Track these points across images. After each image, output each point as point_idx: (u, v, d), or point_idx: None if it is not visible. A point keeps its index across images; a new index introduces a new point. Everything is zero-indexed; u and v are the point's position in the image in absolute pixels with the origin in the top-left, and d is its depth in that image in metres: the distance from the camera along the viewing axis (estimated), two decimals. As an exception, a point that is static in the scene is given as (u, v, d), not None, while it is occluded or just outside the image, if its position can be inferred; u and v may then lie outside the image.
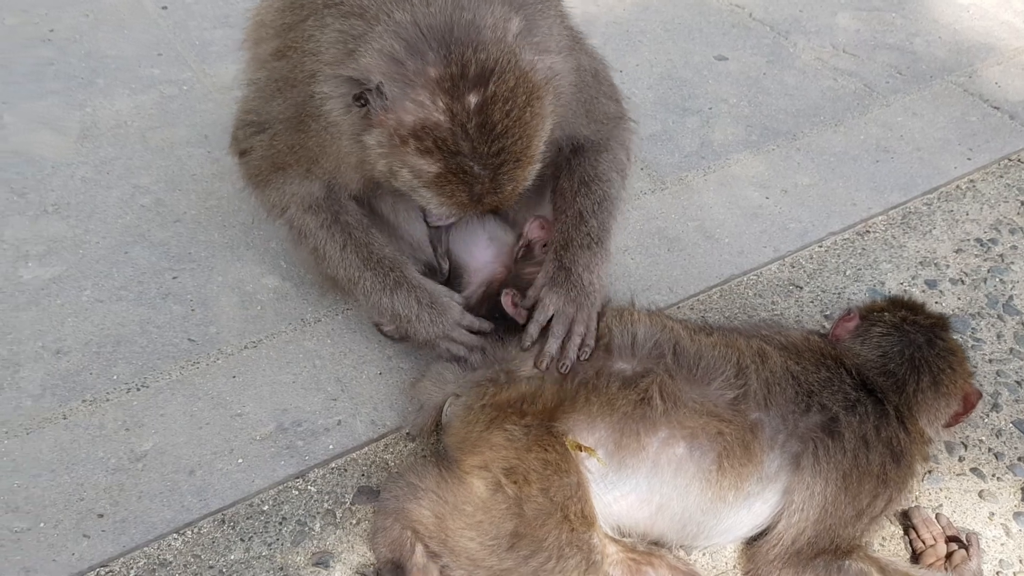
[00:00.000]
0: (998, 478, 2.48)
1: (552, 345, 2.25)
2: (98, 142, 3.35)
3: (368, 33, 2.03)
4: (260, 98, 2.40)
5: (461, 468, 2.07)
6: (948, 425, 2.41)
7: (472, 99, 1.97)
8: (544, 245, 2.61)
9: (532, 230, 2.66)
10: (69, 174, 3.20)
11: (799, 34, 4.22)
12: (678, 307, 2.89)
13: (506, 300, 2.43)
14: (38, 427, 2.41)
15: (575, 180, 2.51)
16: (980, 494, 2.44)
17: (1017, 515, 2.40)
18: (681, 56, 4.01)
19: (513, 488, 2.00)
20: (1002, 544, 2.33)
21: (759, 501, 2.15)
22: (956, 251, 3.18)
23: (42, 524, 2.21)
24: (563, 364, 2.21)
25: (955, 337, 2.50)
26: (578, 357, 2.23)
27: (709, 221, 3.18)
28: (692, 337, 2.24)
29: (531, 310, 2.37)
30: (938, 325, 2.45)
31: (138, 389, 2.52)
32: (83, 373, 2.55)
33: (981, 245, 3.21)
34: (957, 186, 3.45)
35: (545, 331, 2.30)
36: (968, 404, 2.41)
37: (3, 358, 2.57)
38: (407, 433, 2.43)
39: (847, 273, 3.06)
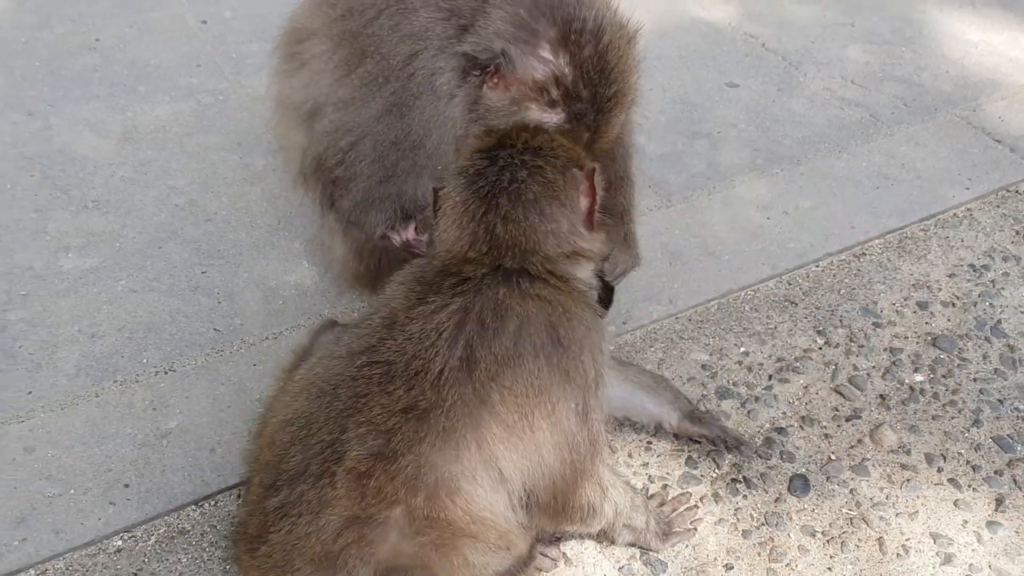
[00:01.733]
0: (974, 489, 2.60)
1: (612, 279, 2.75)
2: (138, 145, 3.57)
3: (483, 8, 2.29)
4: (352, 111, 2.48)
5: None
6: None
7: (589, 50, 2.27)
8: None
9: None
10: (110, 173, 3.41)
11: (810, 64, 4.37)
12: (676, 318, 3.04)
13: None
14: (72, 404, 2.60)
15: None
16: (955, 503, 2.56)
17: (990, 524, 2.51)
18: (694, 82, 4.18)
19: None
20: (973, 550, 2.45)
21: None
22: (949, 275, 3.30)
23: (72, 491, 2.39)
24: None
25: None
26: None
27: (711, 238, 3.33)
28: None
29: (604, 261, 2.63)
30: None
31: (166, 372, 2.71)
32: (115, 356, 2.73)
33: (974, 271, 3.33)
34: (954, 214, 3.58)
35: None
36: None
37: (43, 340, 2.77)
38: None
39: (841, 292, 3.19)
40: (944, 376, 2.92)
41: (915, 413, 2.80)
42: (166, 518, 2.37)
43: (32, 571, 2.23)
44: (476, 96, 2.37)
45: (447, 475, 1.80)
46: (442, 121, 2.44)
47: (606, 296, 2.88)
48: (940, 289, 3.24)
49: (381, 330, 1.90)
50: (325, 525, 1.79)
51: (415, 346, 1.84)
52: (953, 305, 3.18)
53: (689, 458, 2.62)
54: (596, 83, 2.32)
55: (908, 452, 2.69)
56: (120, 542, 2.32)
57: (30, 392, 2.62)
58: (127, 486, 2.41)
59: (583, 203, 2.00)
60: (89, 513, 2.35)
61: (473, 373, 1.81)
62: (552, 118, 2.34)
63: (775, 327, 3.05)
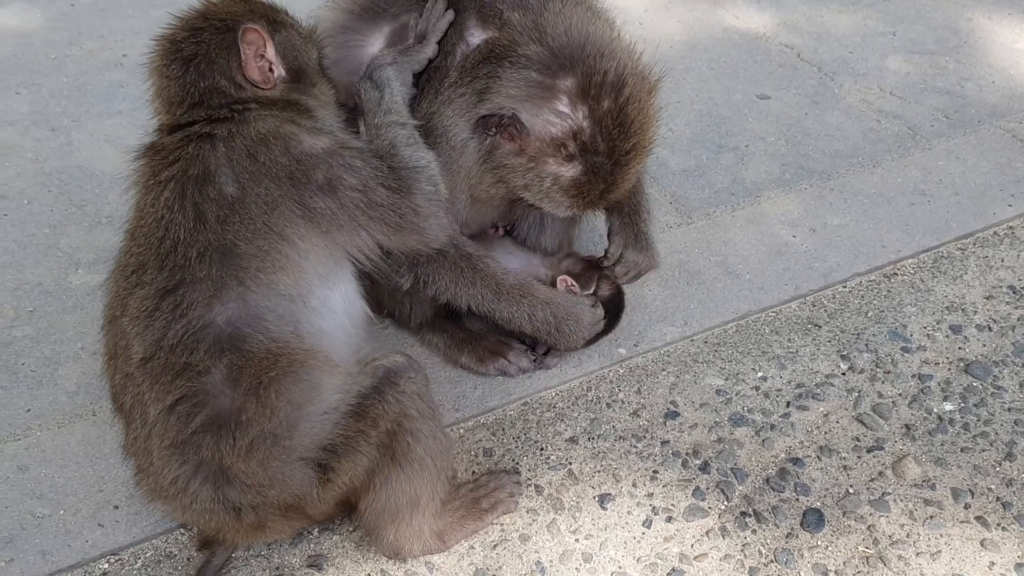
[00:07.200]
0: (1003, 528, 2.44)
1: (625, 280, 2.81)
2: (156, 160, 3.57)
3: (496, 73, 2.29)
4: None
5: None
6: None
7: (608, 103, 2.24)
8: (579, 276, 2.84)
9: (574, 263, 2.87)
10: (125, 189, 3.41)
11: (847, 75, 4.21)
12: (691, 339, 2.92)
13: (562, 285, 2.76)
14: (69, 422, 2.59)
15: None
16: (982, 543, 2.40)
17: (1019, 566, 2.35)
18: (723, 94, 4.06)
19: None
20: (1000, 595, 2.29)
21: None
22: (987, 297, 3.13)
23: (62, 511, 2.36)
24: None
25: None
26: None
27: (732, 257, 3.21)
28: None
29: (615, 263, 2.76)
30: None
31: (164, 391, 2.68)
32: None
33: (1014, 292, 3.15)
34: (995, 232, 3.40)
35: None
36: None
37: (46, 357, 2.77)
38: None
39: (868, 314, 3.04)
40: (976, 405, 2.76)
41: (942, 445, 2.64)
42: (154, 541, 2.33)
43: (17, 593, 2.22)
44: (491, 148, 2.36)
45: (229, 324, 1.95)
46: (455, 170, 2.43)
47: (614, 303, 2.79)
48: (976, 312, 3.07)
49: (129, 240, 2.08)
50: (153, 416, 1.98)
51: (159, 232, 1.98)
52: (989, 329, 3.01)
53: (696, 489, 2.50)
54: (615, 137, 2.28)
55: (933, 487, 2.53)
56: (106, 565, 2.28)
57: (29, 410, 2.61)
58: (116, 507, 2.38)
59: (245, 61, 2.10)
60: (77, 535, 2.32)
61: (207, 225, 1.96)
62: (569, 171, 2.32)
63: (796, 351, 2.91)
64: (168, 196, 1.99)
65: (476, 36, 2.38)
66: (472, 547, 2.35)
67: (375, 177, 2.13)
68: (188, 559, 2.29)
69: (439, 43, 2.41)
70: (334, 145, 2.11)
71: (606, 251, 2.77)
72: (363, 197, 2.10)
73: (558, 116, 2.25)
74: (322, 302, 2.07)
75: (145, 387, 1.97)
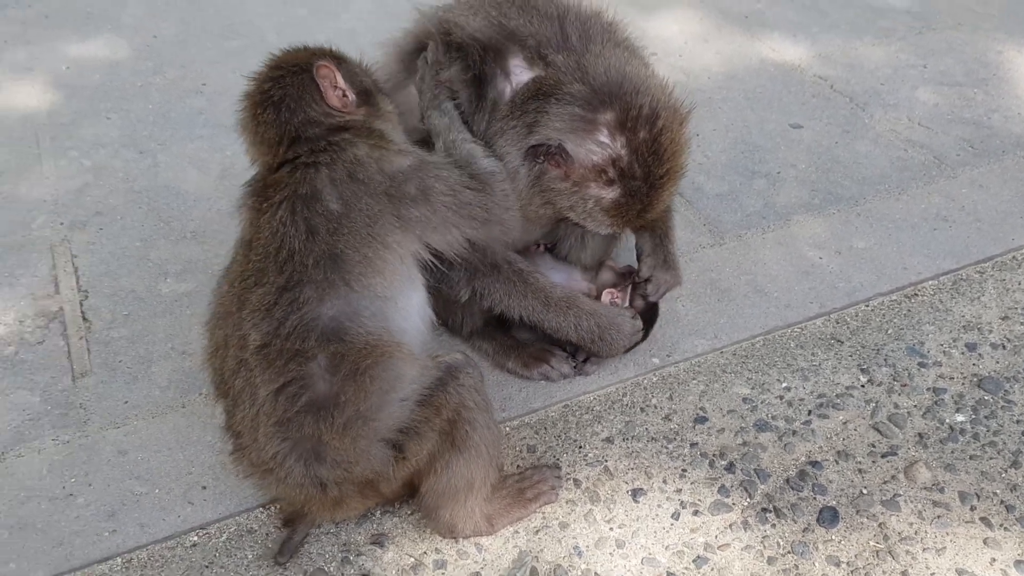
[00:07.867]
0: (1006, 528, 2.65)
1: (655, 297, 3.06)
2: (235, 180, 3.87)
3: (544, 108, 2.57)
4: None
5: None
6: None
7: (644, 134, 2.54)
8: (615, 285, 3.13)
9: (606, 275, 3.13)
10: (208, 207, 3.77)
11: (877, 106, 4.44)
12: (721, 352, 3.17)
13: (607, 298, 3.06)
14: (162, 413, 2.92)
15: None
16: (985, 541, 2.61)
17: (1019, 563, 2.55)
18: (757, 123, 4.31)
19: None
20: (999, 588, 2.51)
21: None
22: (1003, 318, 3.33)
23: (157, 490, 2.69)
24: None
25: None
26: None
27: (761, 276, 3.45)
28: None
29: (646, 282, 3.03)
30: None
31: (244, 388, 3.00)
32: (203, 372, 3.03)
33: (1029, 313, 3.35)
34: (1013, 256, 3.60)
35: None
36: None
37: (140, 355, 3.11)
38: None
39: (888, 332, 3.27)
40: (987, 417, 2.97)
41: (953, 452, 2.85)
42: (237, 518, 2.64)
43: (119, 559, 2.53)
44: (540, 174, 2.65)
45: (333, 319, 2.26)
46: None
47: (649, 314, 3.07)
48: (991, 331, 3.28)
49: (241, 254, 2.41)
50: (263, 397, 2.27)
51: (276, 243, 2.30)
52: (1004, 347, 3.22)
53: (722, 487, 2.75)
54: (650, 163, 2.57)
55: (942, 490, 2.75)
56: (196, 537, 2.60)
57: (126, 401, 2.94)
58: (204, 488, 2.70)
59: (324, 92, 2.47)
60: (170, 510, 2.64)
61: (319, 236, 2.29)
62: (609, 194, 2.61)
63: (819, 364, 3.15)
64: (282, 214, 2.32)
65: (524, 74, 2.67)
66: (516, 532, 2.62)
67: (460, 182, 2.49)
68: (267, 534, 2.60)
69: (482, 76, 2.70)
70: (417, 161, 2.46)
71: (638, 271, 3.05)
72: (453, 200, 2.45)
73: (599, 146, 2.55)
74: (406, 303, 2.40)
75: (258, 371, 2.28)
